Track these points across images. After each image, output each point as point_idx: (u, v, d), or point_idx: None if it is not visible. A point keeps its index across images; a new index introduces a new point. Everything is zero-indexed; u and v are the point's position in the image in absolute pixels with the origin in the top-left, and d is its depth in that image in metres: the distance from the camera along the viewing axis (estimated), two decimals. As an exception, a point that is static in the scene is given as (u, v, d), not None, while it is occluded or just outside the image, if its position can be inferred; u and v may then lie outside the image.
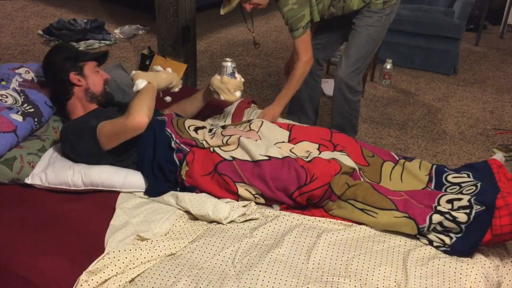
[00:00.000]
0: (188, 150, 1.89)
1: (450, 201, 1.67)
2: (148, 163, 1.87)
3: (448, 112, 3.60)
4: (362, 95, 2.77)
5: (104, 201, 1.81)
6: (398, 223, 1.64)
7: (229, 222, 1.72)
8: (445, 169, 1.92)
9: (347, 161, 1.86)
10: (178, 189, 1.86)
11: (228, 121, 2.32)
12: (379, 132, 3.30)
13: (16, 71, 2.16)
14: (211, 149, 1.89)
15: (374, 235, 1.67)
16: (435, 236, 1.62)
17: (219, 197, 1.80)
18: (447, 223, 1.60)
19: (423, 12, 4.23)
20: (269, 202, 1.81)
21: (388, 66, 3.96)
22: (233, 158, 1.83)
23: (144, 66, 3.73)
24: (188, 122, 2.05)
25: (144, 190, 1.87)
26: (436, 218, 1.60)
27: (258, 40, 4.53)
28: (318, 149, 1.98)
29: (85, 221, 1.69)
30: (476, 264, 1.52)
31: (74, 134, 1.86)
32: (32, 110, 2.01)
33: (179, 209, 1.78)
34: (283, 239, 1.63)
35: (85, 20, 4.64)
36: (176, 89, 2.13)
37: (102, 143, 1.81)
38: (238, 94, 2.14)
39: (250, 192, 1.79)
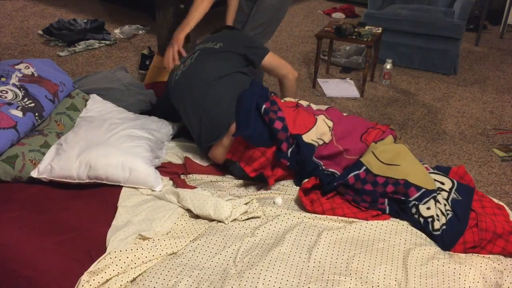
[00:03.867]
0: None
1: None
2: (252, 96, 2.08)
3: (448, 112, 3.60)
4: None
5: (106, 199, 1.81)
6: (427, 174, 1.84)
7: (231, 221, 1.73)
8: None
9: None
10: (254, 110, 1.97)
11: None
12: (379, 132, 3.30)
13: (16, 67, 2.14)
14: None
15: (374, 233, 1.68)
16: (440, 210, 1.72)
17: (287, 127, 1.91)
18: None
19: (423, 12, 4.23)
20: (330, 146, 1.95)
21: (388, 66, 3.96)
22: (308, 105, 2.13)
23: (144, 66, 3.73)
24: None
25: (147, 187, 1.88)
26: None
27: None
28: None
29: (87, 220, 1.69)
30: (473, 266, 1.56)
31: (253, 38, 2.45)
32: (33, 104, 2.00)
33: (180, 207, 1.78)
34: (284, 238, 1.63)
35: (85, 20, 4.64)
36: None
37: (263, 59, 2.27)
38: None
39: (327, 124, 1.97)
